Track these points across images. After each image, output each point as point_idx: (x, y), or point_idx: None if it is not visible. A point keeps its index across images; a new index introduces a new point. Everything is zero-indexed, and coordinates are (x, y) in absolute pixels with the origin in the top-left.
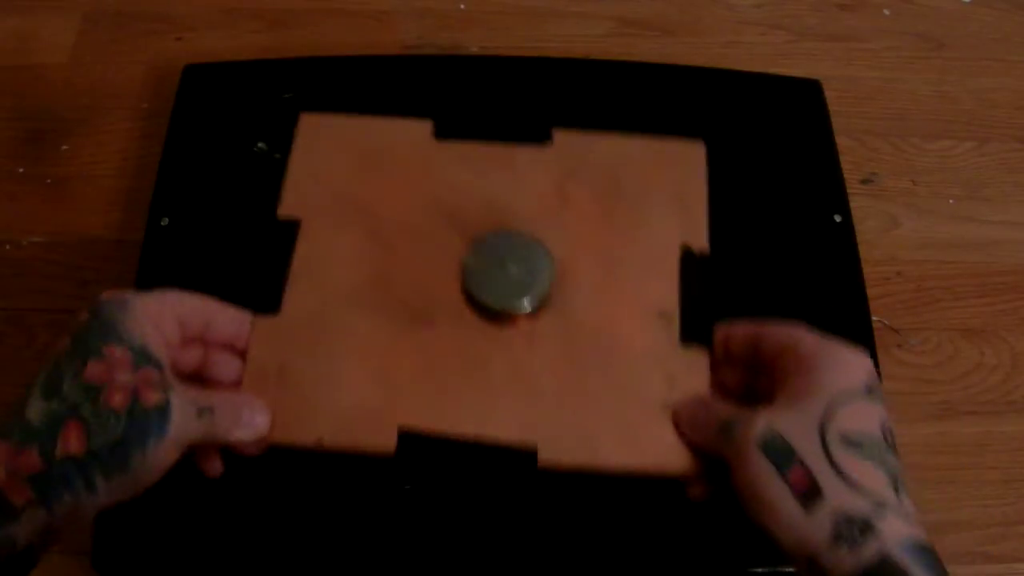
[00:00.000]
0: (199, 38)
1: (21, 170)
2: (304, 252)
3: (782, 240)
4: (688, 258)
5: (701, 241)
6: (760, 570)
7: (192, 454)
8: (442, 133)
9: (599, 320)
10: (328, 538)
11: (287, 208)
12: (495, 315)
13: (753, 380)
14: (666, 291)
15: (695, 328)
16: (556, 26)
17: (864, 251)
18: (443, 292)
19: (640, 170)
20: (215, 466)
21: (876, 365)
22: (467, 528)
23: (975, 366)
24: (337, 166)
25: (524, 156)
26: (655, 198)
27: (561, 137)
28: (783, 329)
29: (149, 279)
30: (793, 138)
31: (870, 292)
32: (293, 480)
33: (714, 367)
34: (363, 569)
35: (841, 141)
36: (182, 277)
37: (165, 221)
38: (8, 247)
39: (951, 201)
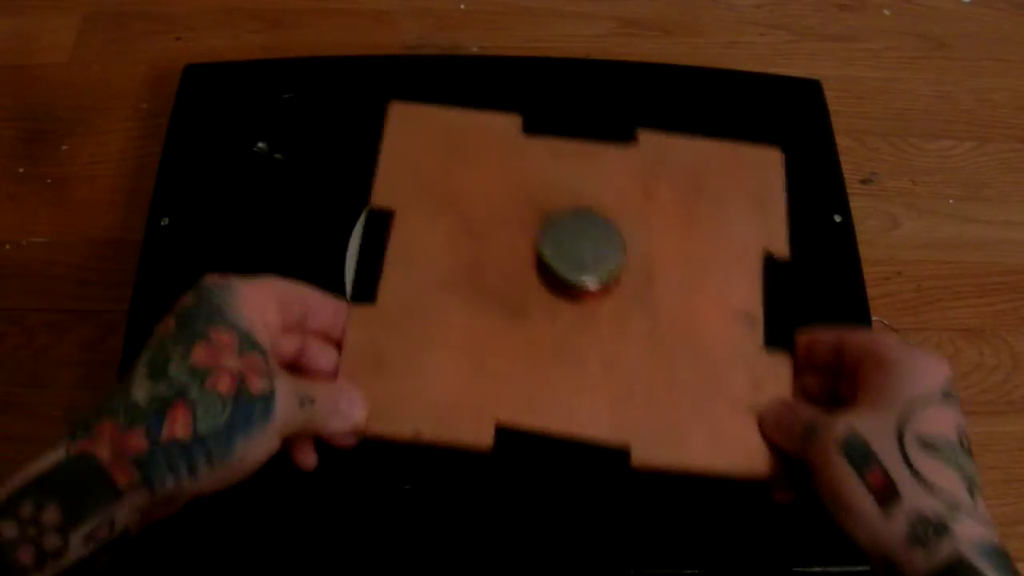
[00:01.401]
0: (199, 38)
1: (21, 170)
2: (398, 242)
3: None
4: (770, 262)
5: (782, 246)
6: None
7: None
8: (531, 128)
9: (686, 318)
10: (318, 533)
11: (380, 198)
12: (572, 292)
13: (835, 386)
14: (750, 294)
15: (777, 332)
16: (556, 26)
17: (864, 251)
18: (532, 280)
19: (721, 173)
20: (310, 458)
21: None
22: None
23: (975, 366)
24: (427, 157)
25: (610, 154)
26: (736, 201)
27: (645, 137)
28: (865, 335)
29: (149, 279)
30: (793, 138)
31: (870, 292)
32: (290, 480)
33: (796, 373)
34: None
35: (841, 141)
36: (182, 277)
37: (165, 221)
38: (8, 247)
39: (951, 201)
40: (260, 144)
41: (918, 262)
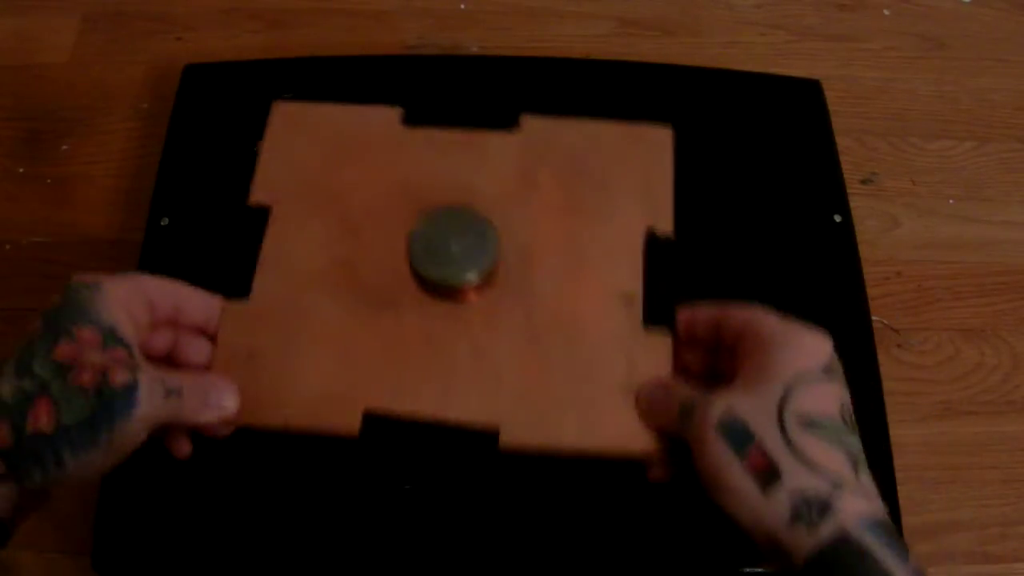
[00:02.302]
0: (199, 38)
1: (21, 170)
2: (273, 238)
3: (782, 240)
4: (653, 241)
5: (666, 224)
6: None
7: (162, 437)
8: (411, 120)
9: (561, 302)
10: (320, 532)
11: (258, 195)
12: (446, 291)
13: (716, 362)
14: (629, 274)
15: (659, 311)
16: (556, 26)
17: (864, 251)
18: (406, 275)
19: (607, 154)
20: (183, 447)
21: (876, 365)
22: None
23: (975, 366)
24: (308, 153)
25: (492, 141)
26: (621, 182)
27: (529, 122)
28: (744, 311)
29: None
30: (793, 138)
31: (870, 292)
32: (293, 479)
33: (677, 349)
34: (354, 558)
35: (841, 141)
36: (182, 277)
37: (165, 221)
38: (8, 247)
39: (951, 201)
40: (260, 144)
41: (918, 262)
